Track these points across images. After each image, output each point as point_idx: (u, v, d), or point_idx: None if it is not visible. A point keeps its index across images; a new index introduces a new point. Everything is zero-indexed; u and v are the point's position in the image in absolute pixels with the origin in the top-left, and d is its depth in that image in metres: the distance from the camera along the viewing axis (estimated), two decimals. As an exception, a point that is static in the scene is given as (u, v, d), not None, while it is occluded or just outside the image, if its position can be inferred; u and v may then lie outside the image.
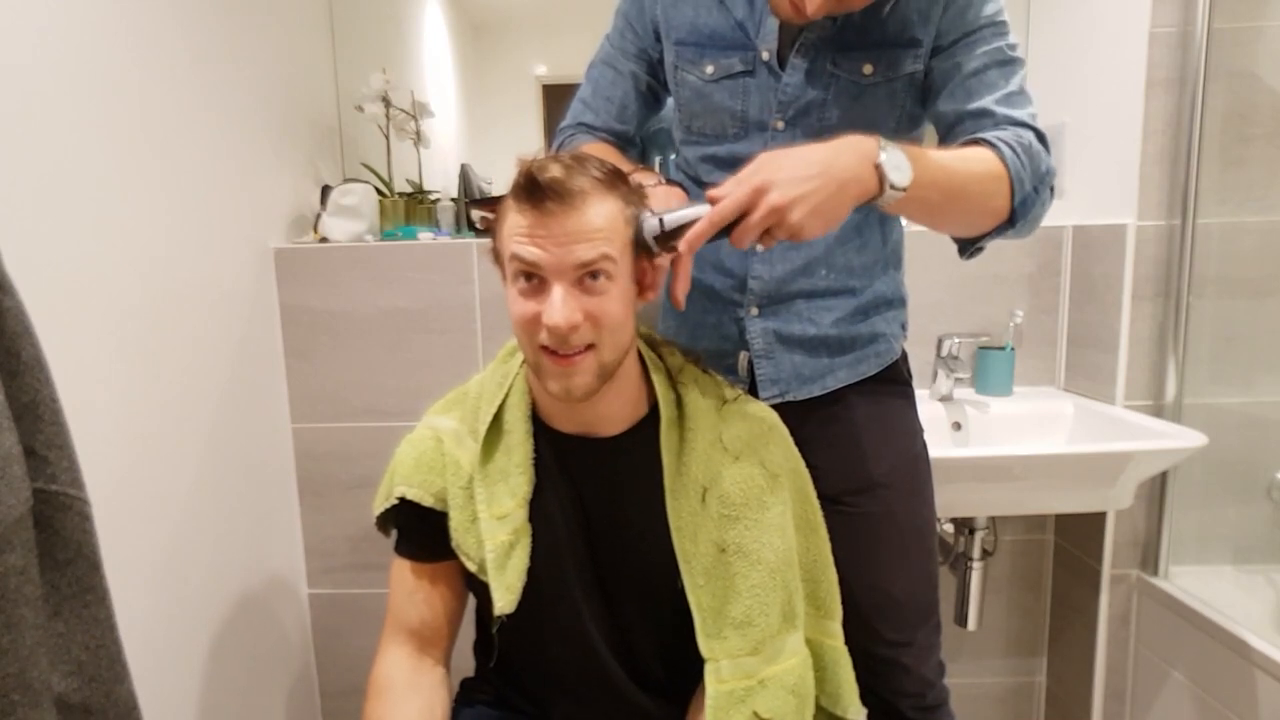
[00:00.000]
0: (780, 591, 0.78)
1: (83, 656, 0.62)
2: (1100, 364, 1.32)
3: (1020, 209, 0.77)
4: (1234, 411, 1.30)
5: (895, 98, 0.85)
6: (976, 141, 0.78)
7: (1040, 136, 0.79)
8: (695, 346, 0.92)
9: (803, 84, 0.85)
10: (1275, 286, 1.27)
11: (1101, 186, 1.34)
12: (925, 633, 0.94)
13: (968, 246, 0.84)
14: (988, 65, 0.80)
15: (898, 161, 0.69)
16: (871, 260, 0.94)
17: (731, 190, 0.69)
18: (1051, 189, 0.79)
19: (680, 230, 0.71)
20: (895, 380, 0.98)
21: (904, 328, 1.00)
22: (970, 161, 0.75)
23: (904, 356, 1.00)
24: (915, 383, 1.39)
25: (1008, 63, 0.81)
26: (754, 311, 0.93)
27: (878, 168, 0.69)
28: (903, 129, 0.88)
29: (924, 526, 0.95)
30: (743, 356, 0.95)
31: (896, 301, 0.98)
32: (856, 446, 0.91)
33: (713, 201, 0.70)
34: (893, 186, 0.69)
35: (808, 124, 0.86)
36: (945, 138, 0.84)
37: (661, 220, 0.72)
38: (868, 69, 0.83)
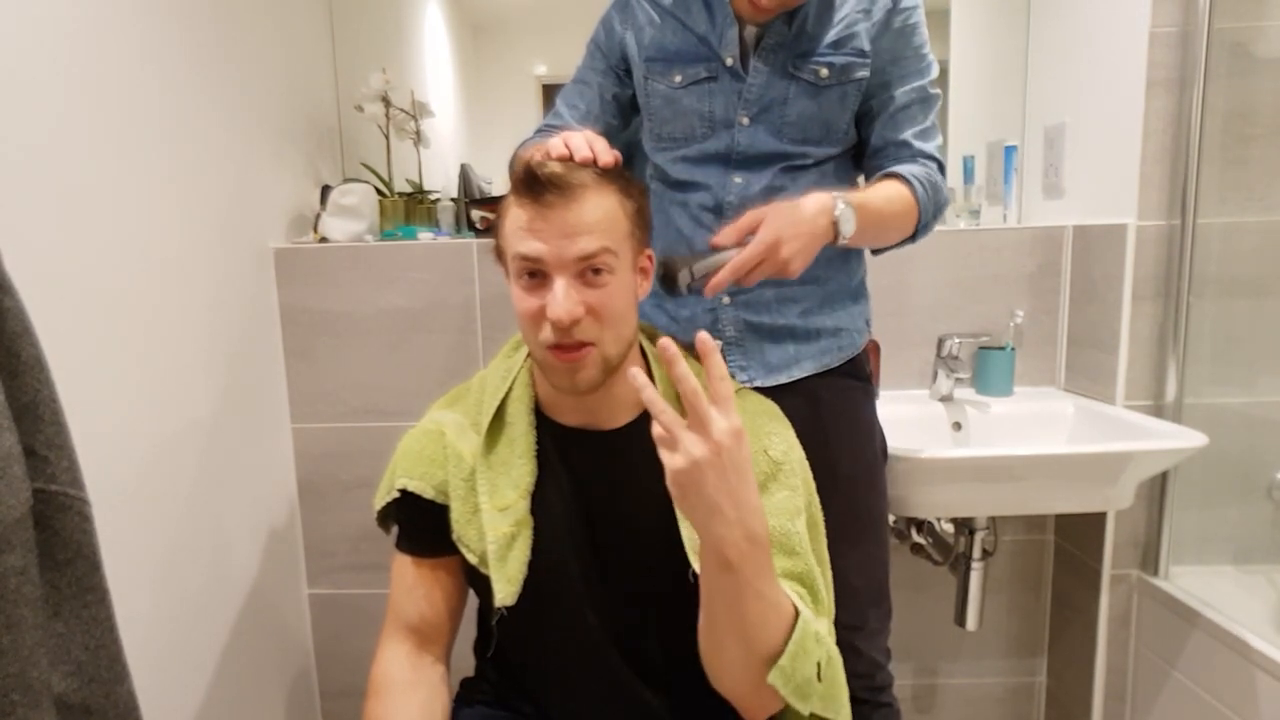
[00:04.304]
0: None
1: (83, 656, 0.62)
2: (1101, 364, 1.32)
3: (920, 231, 0.98)
4: (1234, 411, 1.30)
5: (847, 100, 0.96)
6: (898, 175, 0.95)
7: (941, 167, 0.98)
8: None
9: (765, 84, 0.95)
10: (1276, 286, 1.27)
11: (1102, 186, 1.34)
12: (876, 616, 1.03)
13: (875, 251, 1.03)
14: (912, 102, 0.96)
15: (848, 216, 0.86)
16: (834, 252, 1.00)
17: (734, 236, 0.82)
18: (944, 211, 1.00)
19: (706, 276, 0.83)
20: (857, 376, 1.04)
21: (868, 324, 1.07)
22: (894, 202, 0.93)
23: (865, 354, 1.06)
24: (915, 382, 1.41)
25: (927, 100, 0.97)
26: (726, 300, 0.99)
27: (834, 223, 0.85)
28: (852, 130, 0.99)
29: (880, 517, 1.04)
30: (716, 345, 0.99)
31: (860, 295, 1.06)
32: (824, 441, 0.96)
33: (715, 247, 0.83)
34: (843, 236, 0.86)
35: (769, 120, 0.95)
36: (871, 158, 1.00)
37: (691, 270, 0.83)
38: (824, 73, 0.94)
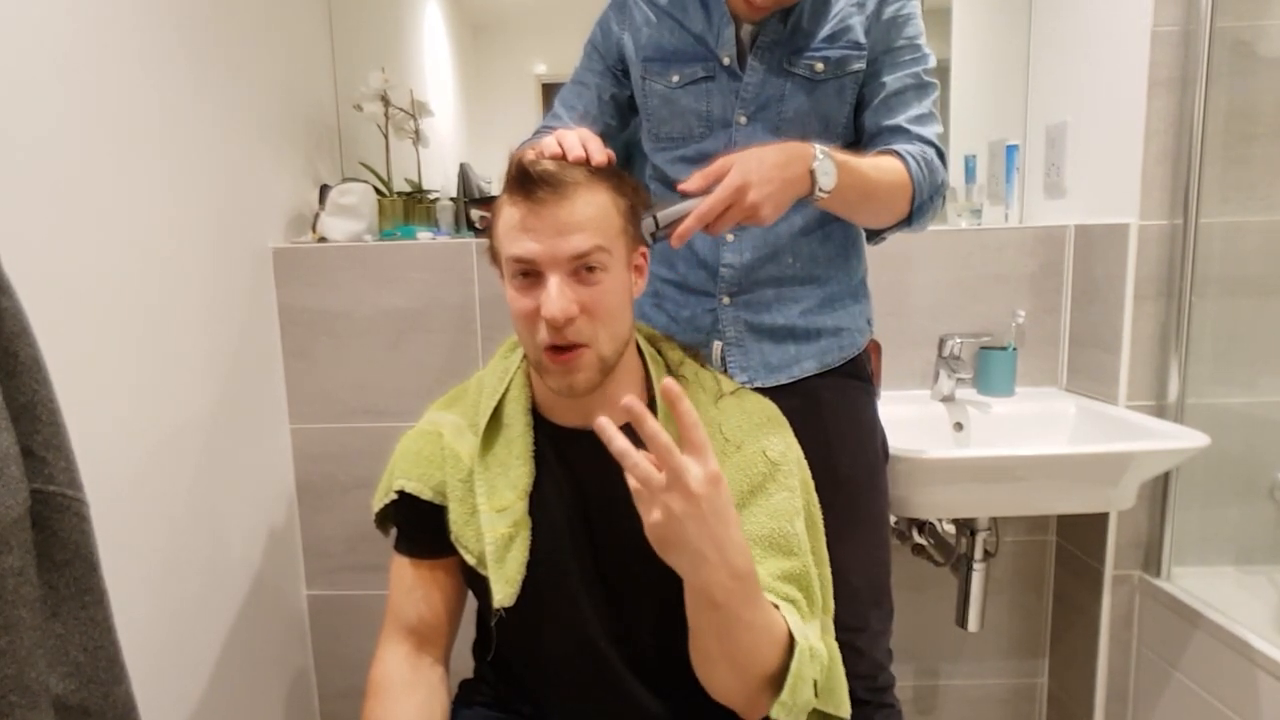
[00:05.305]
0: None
1: (81, 658, 0.62)
2: (1103, 364, 1.32)
3: (917, 212, 0.93)
4: (1236, 412, 1.30)
5: (844, 93, 0.95)
6: (891, 151, 0.91)
7: (940, 153, 0.94)
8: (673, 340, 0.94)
9: (761, 82, 0.94)
10: (1278, 286, 1.27)
11: (1104, 186, 1.34)
12: (878, 617, 1.02)
13: (873, 236, 1.00)
14: (907, 87, 0.94)
15: (827, 169, 0.81)
16: (835, 251, 1.01)
17: (701, 182, 0.78)
18: (944, 197, 0.96)
19: (672, 225, 0.79)
20: (858, 376, 1.03)
21: (869, 324, 1.06)
22: (884, 171, 0.89)
23: (866, 354, 1.05)
24: (916, 383, 1.41)
25: (923, 87, 0.95)
26: (725, 300, 0.99)
27: (811, 173, 0.81)
28: (851, 125, 0.98)
29: (880, 517, 1.03)
30: (716, 346, 1.00)
31: (861, 295, 1.05)
32: (824, 442, 0.95)
33: (684, 194, 0.79)
34: (821, 190, 0.81)
35: (767, 118, 0.95)
36: (865, 146, 0.96)
37: (655, 218, 0.80)
38: (819, 67, 0.93)
